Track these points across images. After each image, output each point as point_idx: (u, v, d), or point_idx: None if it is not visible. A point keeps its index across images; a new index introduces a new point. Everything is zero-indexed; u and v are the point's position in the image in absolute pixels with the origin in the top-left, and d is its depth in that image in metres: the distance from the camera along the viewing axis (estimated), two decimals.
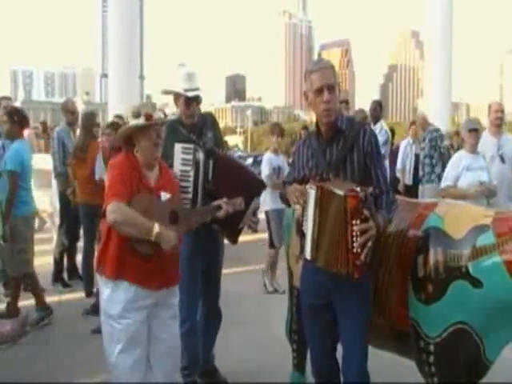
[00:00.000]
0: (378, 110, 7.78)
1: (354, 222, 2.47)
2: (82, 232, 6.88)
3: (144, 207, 2.83)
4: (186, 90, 3.57)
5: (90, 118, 6.40)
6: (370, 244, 2.50)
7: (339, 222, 2.51)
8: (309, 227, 2.65)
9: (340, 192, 2.49)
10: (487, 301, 2.55)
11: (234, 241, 3.61)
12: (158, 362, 3.00)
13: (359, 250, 2.49)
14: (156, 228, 2.76)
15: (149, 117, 2.93)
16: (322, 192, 2.58)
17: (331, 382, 2.90)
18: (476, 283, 2.57)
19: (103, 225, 2.91)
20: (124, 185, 2.83)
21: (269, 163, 6.44)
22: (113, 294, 2.87)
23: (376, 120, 7.70)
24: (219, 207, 3.16)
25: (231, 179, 3.43)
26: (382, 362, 3.24)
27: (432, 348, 2.69)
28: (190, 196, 3.36)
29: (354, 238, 2.48)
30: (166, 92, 3.75)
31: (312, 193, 2.62)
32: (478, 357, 2.66)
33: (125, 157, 3.00)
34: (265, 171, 6.40)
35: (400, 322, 2.84)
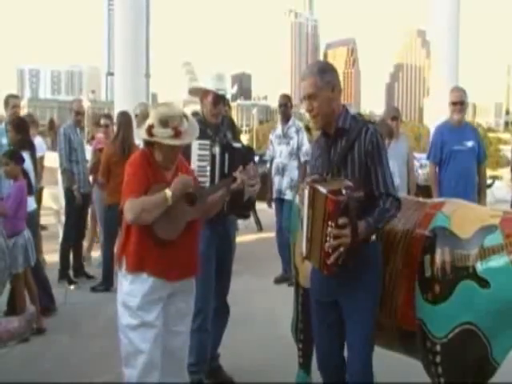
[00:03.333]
0: (289, 105, 6.86)
1: (329, 223, 2.50)
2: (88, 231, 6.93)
3: None
4: (218, 90, 3.66)
5: (129, 118, 6.37)
6: (341, 249, 2.51)
7: (319, 218, 2.56)
8: (304, 226, 2.71)
9: (323, 190, 2.53)
10: (494, 301, 2.54)
11: (245, 216, 3.88)
12: (169, 359, 3.03)
13: (330, 251, 2.51)
14: (168, 192, 2.83)
15: (178, 133, 2.88)
16: (313, 192, 2.63)
17: (337, 380, 2.89)
18: (483, 283, 2.56)
19: (123, 222, 2.96)
20: (139, 182, 2.88)
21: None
22: (131, 287, 2.93)
23: (287, 118, 6.75)
24: (234, 178, 3.17)
25: None
26: (387, 361, 3.23)
27: (439, 348, 2.68)
28: None
29: (328, 238, 2.51)
30: (194, 90, 3.81)
31: (306, 193, 2.68)
32: (485, 357, 2.65)
33: (141, 155, 3.01)
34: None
35: (406, 322, 2.83)
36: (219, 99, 3.67)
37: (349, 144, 2.72)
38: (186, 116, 3.01)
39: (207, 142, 3.52)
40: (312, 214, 2.64)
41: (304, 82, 2.76)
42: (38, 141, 6.95)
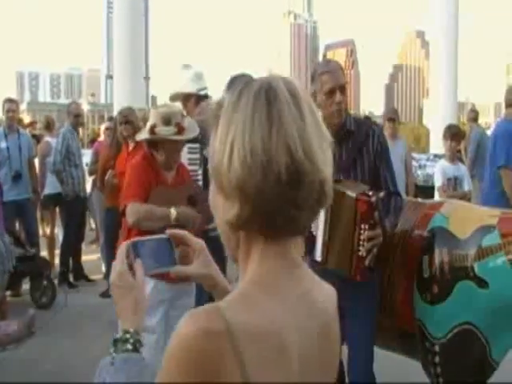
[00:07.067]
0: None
1: (362, 226, 2.46)
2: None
3: (161, 198, 2.91)
4: (199, 90, 3.62)
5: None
6: (375, 251, 2.50)
7: (348, 223, 2.49)
8: (319, 230, 2.62)
9: (352, 194, 2.47)
10: (493, 301, 2.54)
11: None
12: None
13: (364, 254, 2.48)
14: (173, 212, 2.85)
15: (181, 129, 2.93)
16: (333, 194, 2.54)
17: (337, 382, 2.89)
18: (482, 283, 2.56)
19: (124, 223, 2.96)
20: (141, 185, 2.90)
21: (442, 173, 5.52)
22: None
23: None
24: None
25: None
26: (387, 362, 3.23)
27: (437, 348, 2.68)
28: None
29: (361, 242, 2.47)
30: (175, 96, 3.76)
31: None
32: (483, 357, 2.64)
33: (143, 158, 3.04)
34: (437, 182, 5.53)
35: (405, 323, 2.83)
36: (202, 100, 3.65)
37: (357, 146, 2.73)
38: (184, 114, 3.06)
39: (196, 145, 3.52)
40: (331, 218, 2.54)
41: (333, 73, 2.69)
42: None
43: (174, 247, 1.18)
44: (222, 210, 0.92)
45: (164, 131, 2.91)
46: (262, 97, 0.87)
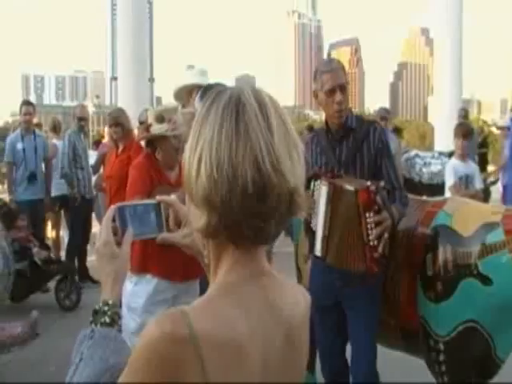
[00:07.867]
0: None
1: (367, 214, 2.45)
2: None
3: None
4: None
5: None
6: (386, 235, 2.48)
7: (352, 217, 2.49)
8: (319, 224, 2.63)
9: (351, 188, 2.48)
10: (497, 298, 2.53)
11: None
12: None
13: (376, 243, 2.47)
14: (173, 196, 2.85)
15: (172, 123, 2.96)
16: (334, 189, 2.56)
17: (340, 382, 2.89)
18: (486, 281, 2.55)
19: None
20: (143, 184, 2.93)
21: (453, 172, 5.40)
22: (135, 288, 2.95)
23: None
24: None
25: None
26: (391, 361, 3.22)
27: (442, 347, 2.67)
28: None
29: (370, 231, 2.46)
30: (179, 91, 3.75)
31: (324, 189, 2.59)
32: (488, 355, 2.63)
33: (145, 158, 3.08)
34: (448, 181, 5.44)
35: (409, 321, 2.82)
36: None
37: (357, 143, 2.74)
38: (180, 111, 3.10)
39: None
40: (331, 213, 2.57)
41: (333, 72, 2.71)
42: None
43: (163, 213, 1.18)
44: (194, 218, 0.94)
45: (158, 129, 2.97)
46: (230, 109, 0.89)
